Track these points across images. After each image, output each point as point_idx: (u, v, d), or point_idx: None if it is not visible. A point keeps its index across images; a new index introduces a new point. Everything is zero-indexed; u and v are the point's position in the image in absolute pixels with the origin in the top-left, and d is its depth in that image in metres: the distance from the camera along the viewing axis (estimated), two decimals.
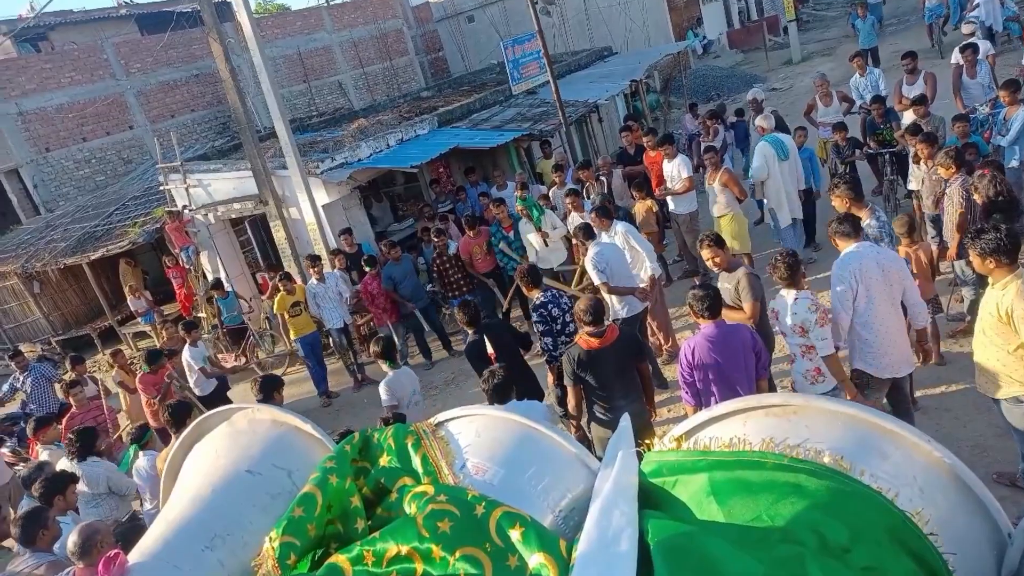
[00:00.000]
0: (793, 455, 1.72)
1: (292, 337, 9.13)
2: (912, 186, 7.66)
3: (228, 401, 8.21)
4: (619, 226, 6.97)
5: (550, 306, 5.87)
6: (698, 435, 1.96)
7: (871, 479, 1.65)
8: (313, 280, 8.97)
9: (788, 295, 4.49)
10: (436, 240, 9.07)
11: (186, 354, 8.30)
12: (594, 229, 6.88)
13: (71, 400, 7.55)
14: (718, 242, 5.37)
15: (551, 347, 5.85)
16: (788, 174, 8.34)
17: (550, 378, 6.02)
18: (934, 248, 7.45)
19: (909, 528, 1.57)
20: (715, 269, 5.44)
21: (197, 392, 8.29)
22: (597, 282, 6.49)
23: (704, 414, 1.96)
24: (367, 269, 9.01)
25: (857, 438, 1.73)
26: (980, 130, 8.36)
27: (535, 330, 6.02)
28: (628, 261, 6.89)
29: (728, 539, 1.58)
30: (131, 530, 4.48)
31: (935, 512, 1.60)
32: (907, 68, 9.72)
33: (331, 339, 9.41)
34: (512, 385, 4.62)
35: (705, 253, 5.40)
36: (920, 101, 8.57)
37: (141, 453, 5.81)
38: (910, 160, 7.85)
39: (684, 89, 19.03)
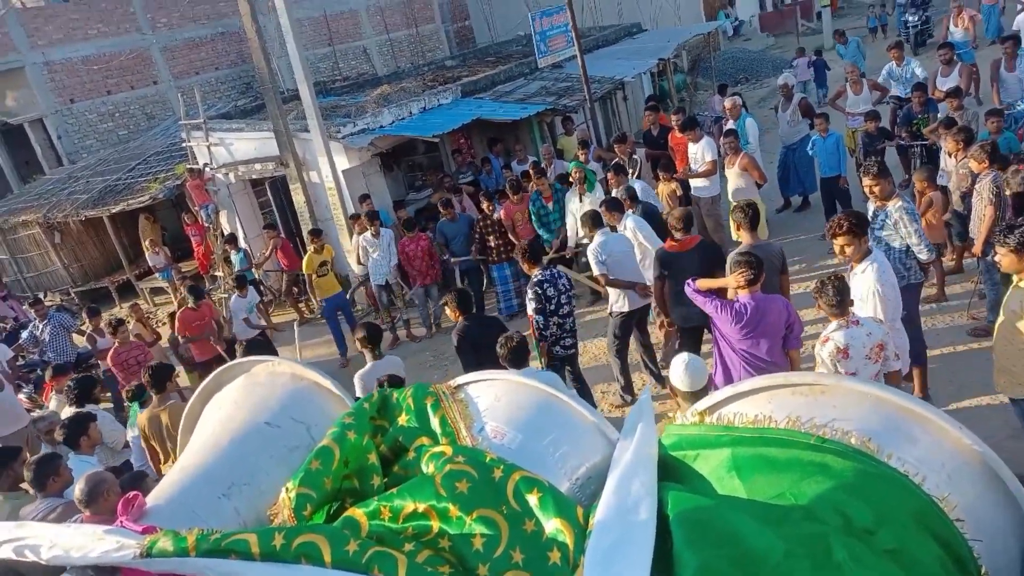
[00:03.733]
0: (819, 435, 1.70)
1: (318, 297, 9.32)
2: (943, 181, 7.52)
3: (271, 349, 8.58)
4: (629, 220, 6.85)
5: (546, 285, 5.87)
6: (722, 410, 1.94)
7: (898, 463, 1.62)
8: (368, 233, 9.15)
9: (852, 327, 4.14)
10: (486, 205, 9.17)
11: (232, 303, 8.77)
12: (603, 219, 6.84)
13: (116, 339, 7.87)
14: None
15: (542, 326, 5.86)
16: None
17: (542, 358, 6.01)
18: (950, 246, 7.44)
19: (935, 513, 1.55)
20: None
21: (238, 337, 8.63)
22: (595, 273, 6.42)
23: (729, 389, 1.94)
24: (405, 232, 9.16)
25: (886, 421, 1.70)
26: (1015, 126, 8.19)
27: (528, 308, 6.00)
28: (639, 258, 6.81)
29: (750, 514, 1.56)
30: (136, 480, 4.56)
31: (962, 499, 1.58)
32: (943, 59, 9.52)
33: (374, 295, 9.61)
34: (528, 352, 4.66)
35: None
36: (955, 94, 8.40)
37: (140, 412, 5.88)
38: (942, 155, 7.71)
39: (712, 71, 18.76)
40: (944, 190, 7.35)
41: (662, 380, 6.65)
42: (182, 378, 8.35)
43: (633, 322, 6.61)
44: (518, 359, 4.52)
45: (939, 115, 8.76)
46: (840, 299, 4.05)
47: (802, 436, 1.72)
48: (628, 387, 6.74)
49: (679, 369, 3.62)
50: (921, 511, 1.55)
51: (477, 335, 5.42)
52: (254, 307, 8.85)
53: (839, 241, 4.55)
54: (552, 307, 5.86)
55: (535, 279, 5.89)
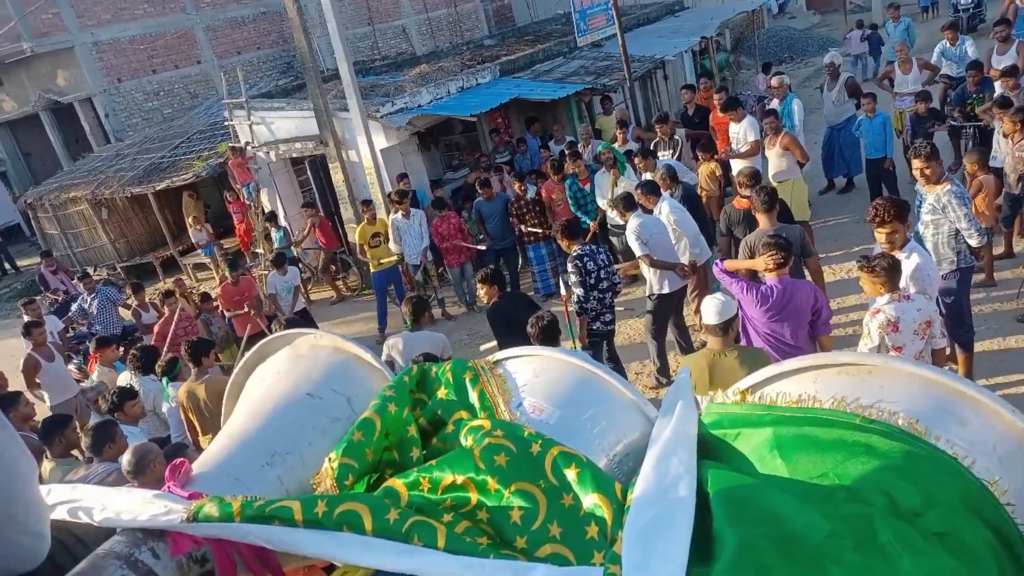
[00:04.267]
0: (865, 415, 1.67)
1: (372, 268, 9.44)
2: (996, 163, 7.28)
3: (312, 325, 8.78)
4: (664, 205, 6.77)
5: (586, 259, 5.94)
6: (764, 390, 1.90)
7: (947, 445, 1.58)
8: (399, 214, 9.23)
9: (903, 301, 4.16)
10: (517, 185, 9.15)
11: (270, 278, 8.90)
12: (636, 201, 6.78)
13: (165, 310, 8.12)
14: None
15: (583, 299, 5.91)
16: None
17: (579, 333, 6.06)
18: (996, 229, 7.24)
19: (985, 497, 1.51)
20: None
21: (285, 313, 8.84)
22: (639, 253, 6.38)
23: (772, 369, 1.90)
24: (436, 212, 9.22)
25: (934, 402, 1.66)
26: None
27: (567, 281, 6.05)
28: (673, 242, 6.74)
29: (792, 494, 1.54)
30: (177, 452, 4.70)
31: (1013, 483, 1.54)
32: (999, 36, 9.17)
33: (409, 274, 9.72)
34: (558, 331, 4.69)
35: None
36: (1011, 72, 8.10)
37: (171, 385, 6.04)
38: (995, 136, 7.46)
39: (756, 49, 18.35)
40: (997, 172, 7.11)
41: None
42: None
43: (672, 304, 6.58)
44: (549, 338, 4.54)
45: (995, 95, 8.46)
46: (890, 274, 4.03)
47: (847, 416, 1.68)
48: (664, 369, 6.72)
49: (710, 306, 4.14)
50: (970, 494, 1.50)
51: (511, 311, 5.47)
52: (291, 288, 8.97)
53: (885, 229, 4.44)
54: (592, 281, 5.92)
55: (575, 253, 5.96)
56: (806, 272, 5.74)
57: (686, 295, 6.89)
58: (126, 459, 3.79)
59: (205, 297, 9.08)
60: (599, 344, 6.28)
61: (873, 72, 15.69)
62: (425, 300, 6.09)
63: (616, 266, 6.72)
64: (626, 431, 2.07)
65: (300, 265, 11.58)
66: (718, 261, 5.14)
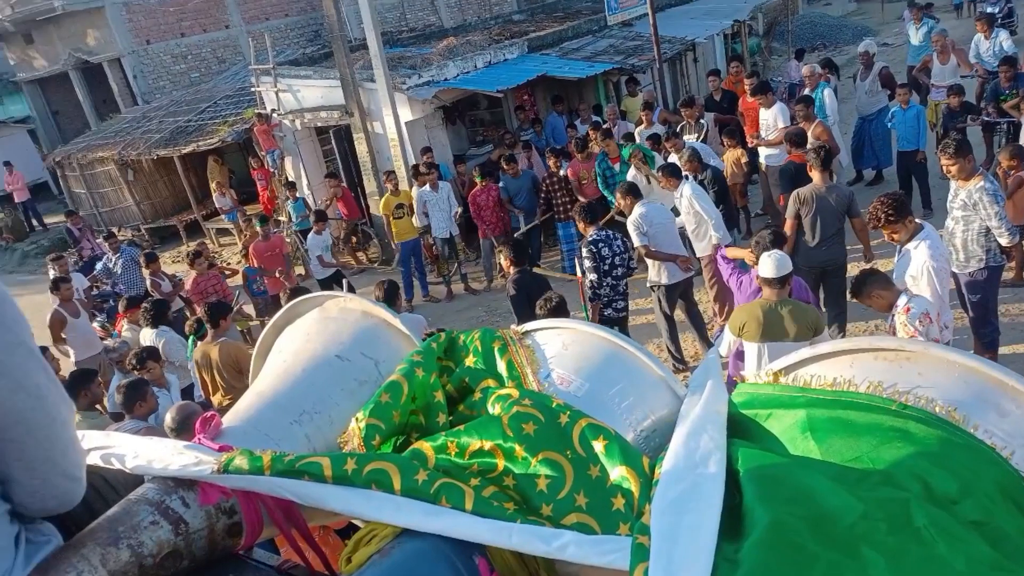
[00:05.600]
0: (902, 401, 1.65)
1: (394, 240, 9.46)
2: None
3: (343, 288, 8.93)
4: (686, 188, 6.69)
5: (601, 244, 5.95)
6: (798, 371, 1.89)
7: (984, 435, 1.56)
8: (426, 187, 9.22)
9: (918, 296, 4.38)
10: (553, 162, 9.16)
11: (309, 240, 8.99)
12: (640, 189, 6.77)
13: (193, 269, 8.39)
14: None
15: (596, 285, 5.93)
16: None
17: (592, 317, 6.04)
18: None
19: (1022, 487, 1.49)
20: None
21: (315, 277, 9.18)
22: (637, 244, 6.36)
23: (807, 351, 1.89)
24: (477, 181, 9.22)
25: (973, 391, 1.64)
26: None
27: (583, 267, 6.05)
28: (693, 227, 6.68)
29: (825, 475, 1.53)
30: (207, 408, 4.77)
31: None
32: None
33: (434, 248, 9.72)
34: (566, 313, 4.73)
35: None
36: None
37: (199, 343, 6.16)
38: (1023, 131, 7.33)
39: (789, 35, 18.04)
40: None
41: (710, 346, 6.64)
42: None
43: (678, 294, 6.57)
44: (558, 317, 4.57)
45: None
46: (872, 285, 4.31)
47: (883, 401, 1.66)
48: (679, 355, 6.71)
49: (769, 261, 4.38)
50: (1008, 484, 1.49)
51: (531, 285, 5.49)
52: (329, 246, 9.09)
53: (884, 231, 4.66)
54: (606, 267, 5.91)
55: (590, 238, 5.98)
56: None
57: (693, 285, 6.83)
58: (170, 416, 3.89)
59: (210, 266, 9.22)
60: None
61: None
62: (397, 285, 6.07)
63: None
64: (654, 407, 2.06)
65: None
66: (722, 247, 5.66)
